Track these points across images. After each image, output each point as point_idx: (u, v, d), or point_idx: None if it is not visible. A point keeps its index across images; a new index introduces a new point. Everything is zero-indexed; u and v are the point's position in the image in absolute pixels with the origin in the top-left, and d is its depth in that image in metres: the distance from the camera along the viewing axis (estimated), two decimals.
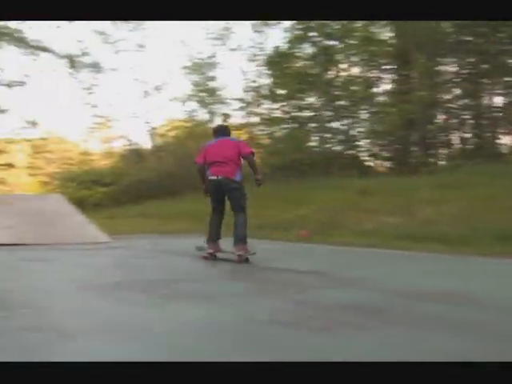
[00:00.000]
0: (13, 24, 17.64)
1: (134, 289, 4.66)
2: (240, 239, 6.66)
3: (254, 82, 30.74)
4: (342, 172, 20.44)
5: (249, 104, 30.07)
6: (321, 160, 22.48)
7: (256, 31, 29.79)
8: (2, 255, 7.20)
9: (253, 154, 7.14)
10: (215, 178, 6.79)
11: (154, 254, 7.76)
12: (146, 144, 32.04)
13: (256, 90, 29.61)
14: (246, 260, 6.62)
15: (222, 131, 7.40)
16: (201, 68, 31.28)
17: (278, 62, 25.82)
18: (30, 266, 6.20)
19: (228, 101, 31.21)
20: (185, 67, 31.90)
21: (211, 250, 6.99)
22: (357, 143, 24.55)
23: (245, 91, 30.62)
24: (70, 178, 26.81)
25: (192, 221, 15.69)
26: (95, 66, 21.71)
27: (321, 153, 24.15)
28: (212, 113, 31.21)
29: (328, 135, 24.65)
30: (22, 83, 20.31)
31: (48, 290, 4.55)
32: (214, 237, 7.05)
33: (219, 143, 7.01)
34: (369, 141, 24.29)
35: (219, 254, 7.01)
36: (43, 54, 18.92)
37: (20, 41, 17.35)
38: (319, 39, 24.42)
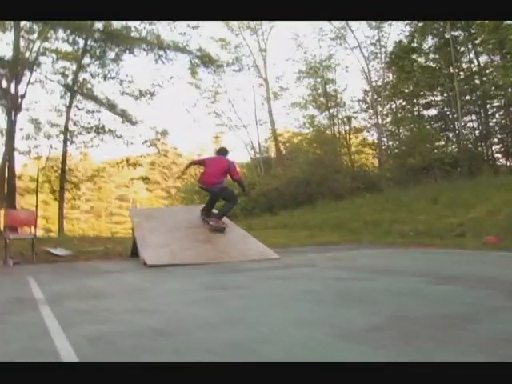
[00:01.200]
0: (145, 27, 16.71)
1: (433, 337, 2.74)
2: (218, 215, 8.93)
3: (376, 81, 28.73)
4: (479, 170, 17.98)
5: (371, 105, 28.11)
6: (464, 159, 20.05)
7: (374, 28, 27.84)
8: (176, 280, 5.54)
9: (239, 179, 9.56)
10: (204, 186, 9.39)
11: (355, 274, 5.80)
12: (270, 152, 30.82)
13: (378, 89, 27.59)
14: (221, 230, 8.64)
15: (222, 151, 9.68)
16: (318, 71, 29.70)
17: (400, 57, 23.69)
18: (224, 297, 4.39)
19: (349, 103, 29.43)
20: (302, 71, 30.46)
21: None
22: (491, 140, 21.91)
23: (366, 92, 28.68)
24: (195, 191, 25.86)
25: (339, 230, 13.94)
26: (218, 68, 20.41)
27: (454, 151, 21.87)
28: (332, 117, 29.49)
29: (461, 132, 22.24)
30: (151, 94, 19.41)
31: (306, 346, 2.70)
32: (209, 213, 9.16)
33: (216, 160, 9.30)
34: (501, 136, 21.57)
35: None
36: (170, 61, 17.66)
37: (155, 44, 16.23)
38: (443, 30, 22.04)
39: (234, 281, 5.41)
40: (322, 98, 29.74)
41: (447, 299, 4.01)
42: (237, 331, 3.08)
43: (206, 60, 17.44)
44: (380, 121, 27.23)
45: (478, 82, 21.79)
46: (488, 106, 21.90)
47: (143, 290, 4.87)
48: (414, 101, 25.16)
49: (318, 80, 29.78)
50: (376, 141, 28.12)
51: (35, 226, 9.45)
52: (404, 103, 26.17)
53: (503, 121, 21.41)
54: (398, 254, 8.92)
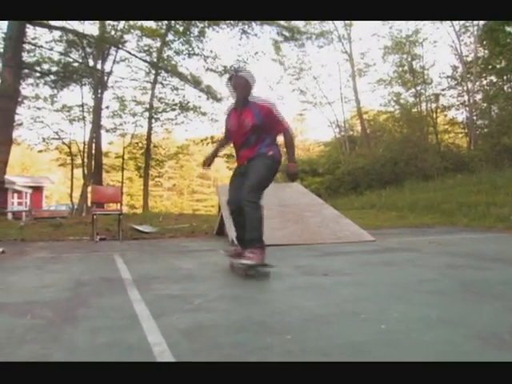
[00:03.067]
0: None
1: None
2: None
3: (466, 56, 27.16)
4: None
5: (460, 81, 26.60)
6: None
7: None
8: (270, 262, 5.10)
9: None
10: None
11: (467, 261, 5.16)
12: (355, 130, 29.99)
13: (469, 64, 26.05)
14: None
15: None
16: (404, 47, 28.41)
17: (494, 30, 22.02)
18: (327, 285, 3.87)
19: (436, 80, 28.02)
20: (387, 47, 29.29)
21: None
22: None
23: (455, 68, 27.17)
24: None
25: (430, 212, 13.14)
26: (307, 40, 19.80)
27: None
28: (419, 94, 28.18)
29: None
30: (236, 70, 19.11)
31: (447, 353, 2.18)
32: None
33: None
34: None
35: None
36: (255, 36, 17.20)
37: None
38: None
39: (333, 265, 4.91)
40: (408, 75, 28.54)
41: None
42: (354, 329, 2.60)
43: (295, 32, 16.81)
44: (470, 98, 25.82)
45: None
46: None
47: (237, 274, 4.48)
48: (506, 77, 23.57)
49: (404, 56, 28.55)
50: (466, 119, 26.76)
51: (121, 203, 9.34)
52: (496, 80, 24.57)
53: None
54: (505, 239, 8.12)
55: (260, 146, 4.41)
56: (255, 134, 4.40)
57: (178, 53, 19.61)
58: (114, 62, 20.55)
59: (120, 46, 18.37)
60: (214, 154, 5.12)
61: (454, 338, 2.40)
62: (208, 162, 5.06)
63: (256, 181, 4.30)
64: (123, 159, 22.99)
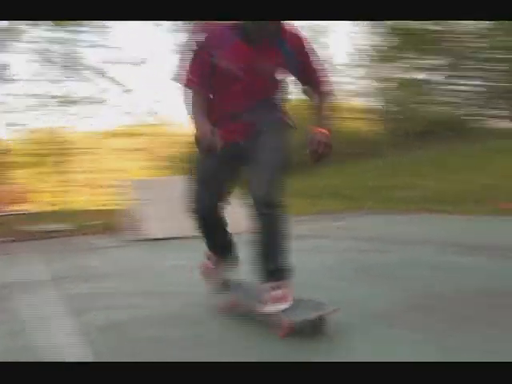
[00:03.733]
0: None
1: (481, 318, 2.50)
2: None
3: (363, 44, 28.03)
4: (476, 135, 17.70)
5: (358, 68, 27.47)
6: (459, 123, 19.83)
7: None
8: (182, 255, 5.22)
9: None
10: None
11: (371, 245, 5.51)
12: None
13: (365, 52, 26.86)
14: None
15: None
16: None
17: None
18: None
19: (336, 68, 28.81)
20: None
21: None
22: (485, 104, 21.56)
23: (352, 55, 27.99)
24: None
25: (339, 198, 13.61)
26: None
27: (448, 116, 21.43)
28: None
29: (453, 97, 21.88)
30: (143, 60, 18.94)
31: (343, 332, 2.41)
32: None
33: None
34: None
35: None
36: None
37: None
38: None
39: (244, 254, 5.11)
40: None
41: (483, 272, 3.71)
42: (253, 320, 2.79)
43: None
44: (368, 84, 26.71)
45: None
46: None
47: (150, 268, 4.58)
48: (402, 64, 24.56)
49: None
50: (370, 105, 27.63)
51: (25, 202, 9.10)
52: (391, 66, 25.55)
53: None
54: (406, 220, 8.53)
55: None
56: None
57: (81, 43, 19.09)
58: (13, 52, 19.68)
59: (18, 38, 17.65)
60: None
61: (349, 319, 2.59)
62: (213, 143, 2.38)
63: (279, 168, 2.55)
64: (28, 156, 22.24)
